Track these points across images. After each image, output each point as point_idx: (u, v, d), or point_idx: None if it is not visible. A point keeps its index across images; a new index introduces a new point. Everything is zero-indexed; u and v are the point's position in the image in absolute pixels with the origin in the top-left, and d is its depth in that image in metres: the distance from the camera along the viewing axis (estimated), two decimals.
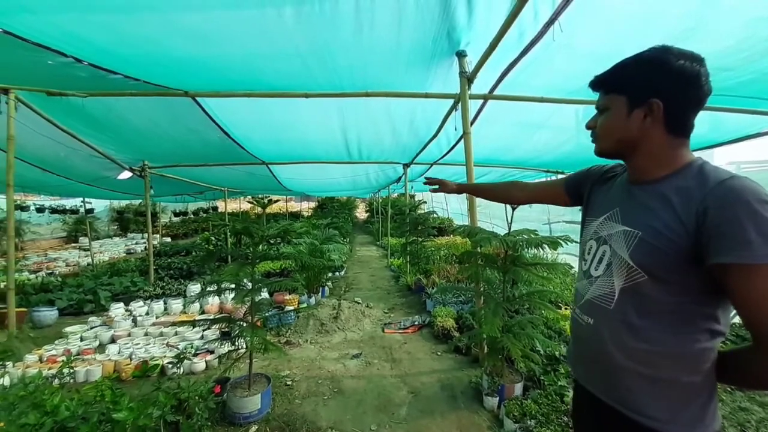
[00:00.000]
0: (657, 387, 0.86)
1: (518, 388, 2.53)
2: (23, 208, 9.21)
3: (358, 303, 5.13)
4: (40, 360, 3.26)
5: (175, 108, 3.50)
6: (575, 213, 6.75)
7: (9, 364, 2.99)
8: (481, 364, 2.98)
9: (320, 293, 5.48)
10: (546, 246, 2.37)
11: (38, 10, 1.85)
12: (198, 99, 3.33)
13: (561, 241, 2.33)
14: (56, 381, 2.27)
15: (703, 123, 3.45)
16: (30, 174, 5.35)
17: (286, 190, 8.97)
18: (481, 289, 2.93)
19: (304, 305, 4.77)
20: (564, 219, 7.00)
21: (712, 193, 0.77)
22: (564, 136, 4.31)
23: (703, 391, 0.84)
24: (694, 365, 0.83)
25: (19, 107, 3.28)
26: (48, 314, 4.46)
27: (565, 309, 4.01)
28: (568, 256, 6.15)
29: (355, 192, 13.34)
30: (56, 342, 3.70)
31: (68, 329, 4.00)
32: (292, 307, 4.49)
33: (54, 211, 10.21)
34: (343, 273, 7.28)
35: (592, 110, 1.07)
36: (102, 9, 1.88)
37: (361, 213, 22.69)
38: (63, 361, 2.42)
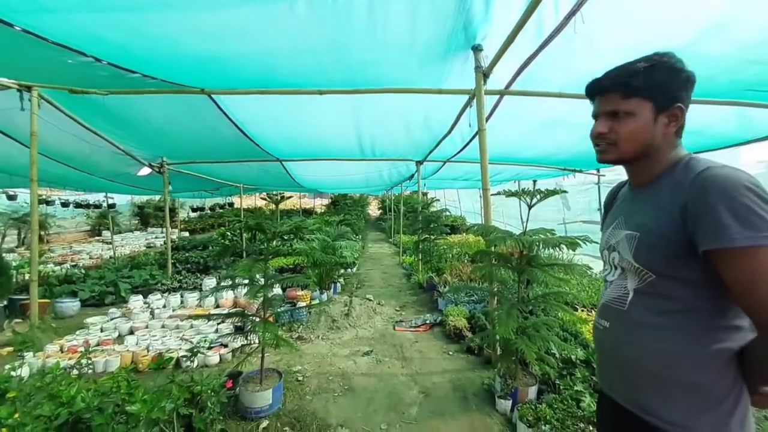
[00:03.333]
0: (676, 390, 0.83)
1: (532, 392, 2.47)
2: (48, 202, 9.58)
3: (370, 300, 5.13)
4: (61, 350, 3.37)
5: (192, 106, 3.55)
6: (592, 213, 6.56)
7: (29, 354, 3.11)
8: (494, 366, 2.93)
9: (332, 290, 5.50)
10: (564, 246, 2.30)
11: (57, 9, 1.88)
12: (213, 96, 3.36)
13: (580, 242, 2.25)
14: (75, 371, 2.33)
15: (730, 120, 3.28)
16: (55, 170, 5.54)
17: (300, 186, 9.04)
18: (495, 289, 2.87)
19: (316, 302, 4.79)
20: (581, 219, 6.81)
21: (692, 185, 0.80)
22: (582, 134, 4.15)
23: (729, 396, 0.80)
24: (717, 367, 0.80)
25: (42, 105, 3.39)
26: (70, 305, 4.63)
27: (582, 311, 3.90)
28: (586, 256, 5.98)
29: (368, 189, 13.33)
30: (77, 332, 3.83)
31: (89, 320, 4.14)
32: (304, 303, 4.52)
33: (78, 205, 10.60)
34: (355, 270, 7.29)
35: None
36: (119, 8, 1.90)
37: (373, 210, 22.73)
38: (82, 351, 2.50)
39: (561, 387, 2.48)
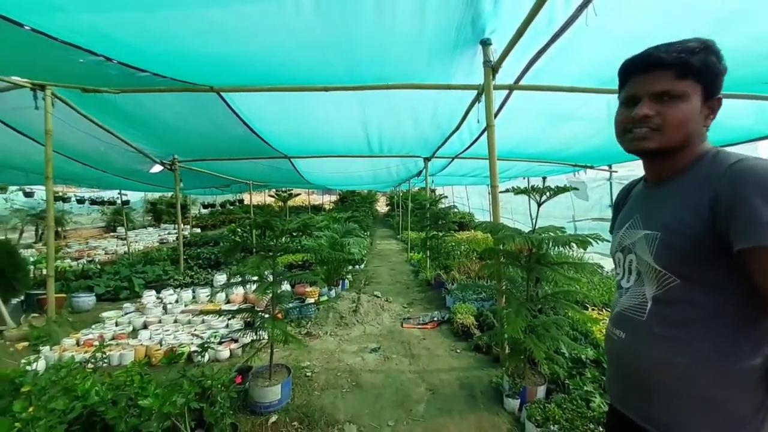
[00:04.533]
0: (699, 408, 0.76)
1: (541, 391, 2.45)
2: (65, 199, 9.83)
3: (378, 297, 5.14)
4: (77, 344, 3.46)
5: (202, 104, 3.58)
6: (603, 210, 6.43)
7: (46, 347, 3.20)
8: (502, 364, 2.91)
9: (340, 286, 5.53)
10: (574, 245, 2.25)
11: (68, 9, 1.91)
12: (222, 94, 3.39)
13: (591, 240, 2.20)
14: (90, 365, 2.39)
15: (748, 114, 3.16)
16: (70, 167, 5.67)
17: (308, 183, 9.09)
18: (503, 287, 2.84)
19: (325, 298, 4.83)
20: (591, 216, 6.69)
21: (723, 178, 0.73)
22: (594, 128, 4.08)
23: (757, 416, 0.74)
24: (746, 383, 0.73)
25: (56, 103, 3.46)
26: (86, 300, 4.75)
27: (592, 310, 3.84)
28: (597, 255, 5.88)
29: (376, 186, 13.33)
30: (93, 326, 3.93)
31: (104, 314, 4.24)
32: (312, 300, 4.56)
33: (93, 202, 10.85)
34: (363, 266, 7.31)
35: None
36: (126, 7, 1.92)
37: (381, 206, 22.72)
38: (97, 345, 2.56)
39: (570, 387, 2.45)
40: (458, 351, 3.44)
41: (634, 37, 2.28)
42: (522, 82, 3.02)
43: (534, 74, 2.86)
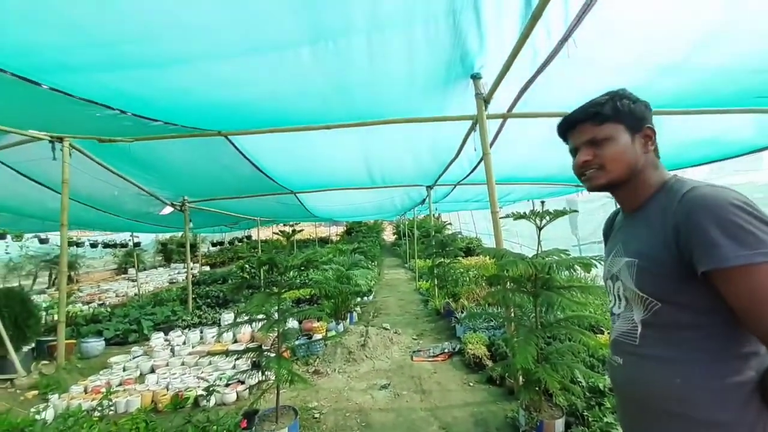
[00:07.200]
0: (695, 429, 0.76)
1: (559, 425, 2.32)
2: (78, 244, 10.07)
3: (386, 329, 5.03)
4: (85, 391, 3.42)
5: (210, 147, 3.76)
6: None
7: (55, 395, 3.18)
8: (517, 397, 2.78)
9: (348, 320, 5.44)
10: (578, 267, 2.23)
11: (79, 70, 2.08)
12: (230, 137, 3.56)
13: (594, 262, 2.18)
14: (97, 413, 2.37)
15: (746, 127, 3.19)
16: (84, 213, 5.87)
17: (314, 216, 9.20)
18: (512, 314, 2.78)
19: (332, 333, 4.74)
20: (594, 239, 6.58)
21: (679, 208, 0.78)
22: None
23: (754, 430, 0.73)
24: (738, 400, 0.74)
25: (72, 153, 3.66)
26: (95, 345, 4.73)
27: (607, 334, 3.70)
28: None
29: (381, 215, 13.42)
30: (101, 372, 3.89)
31: (113, 359, 4.22)
32: (320, 335, 4.48)
33: (106, 245, 11.10)
34: (371, 297, 7.21)
35: None
36: (137, 65, 2.08)
37: (388, 235, 22.73)
38: (104, 392, 2.54)
39: (590, 419, 2.33)
40: (471, 384, 3.31)
41: (618, 65, 2.39)
42: (515, 110, 3.13)
43: (525, 102, 2.97)
